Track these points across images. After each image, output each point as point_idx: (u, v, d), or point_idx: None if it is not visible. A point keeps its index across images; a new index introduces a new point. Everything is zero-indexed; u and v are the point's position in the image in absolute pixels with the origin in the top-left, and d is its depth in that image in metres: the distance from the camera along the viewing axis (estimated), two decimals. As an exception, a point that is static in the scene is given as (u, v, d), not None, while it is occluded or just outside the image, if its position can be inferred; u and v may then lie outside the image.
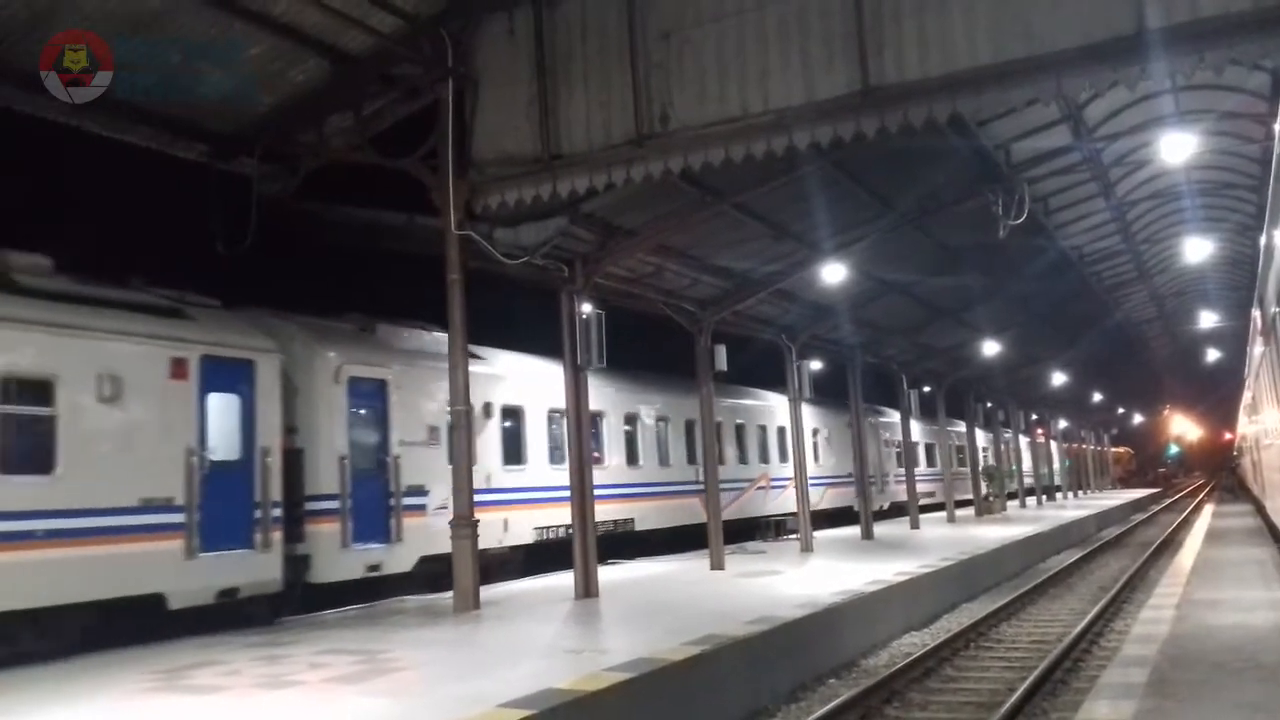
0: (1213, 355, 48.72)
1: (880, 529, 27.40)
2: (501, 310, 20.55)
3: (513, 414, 18.85)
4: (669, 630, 11.27)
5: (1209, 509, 40.87)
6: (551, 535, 18.96)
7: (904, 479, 33.41)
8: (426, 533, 15.61)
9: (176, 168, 14.65)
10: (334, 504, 14.51)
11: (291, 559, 13.79)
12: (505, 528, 17.94)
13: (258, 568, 13.05)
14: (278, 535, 13.33)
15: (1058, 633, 14.62)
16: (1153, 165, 19.70)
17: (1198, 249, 25.70)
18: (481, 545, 14.37)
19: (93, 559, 11.05)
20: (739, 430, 27.48)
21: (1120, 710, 7.15)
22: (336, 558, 14.46)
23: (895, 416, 34.65)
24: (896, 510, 35.03)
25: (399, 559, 15.42)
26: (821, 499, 30.30)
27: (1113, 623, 15.37)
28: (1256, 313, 15.15)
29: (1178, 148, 16.67)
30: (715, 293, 19.60)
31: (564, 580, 15.91)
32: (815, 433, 31.88)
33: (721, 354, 20.44)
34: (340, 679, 9.42)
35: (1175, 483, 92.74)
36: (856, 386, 27.80)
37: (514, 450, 18.74)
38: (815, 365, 27.57)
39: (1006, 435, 47.15)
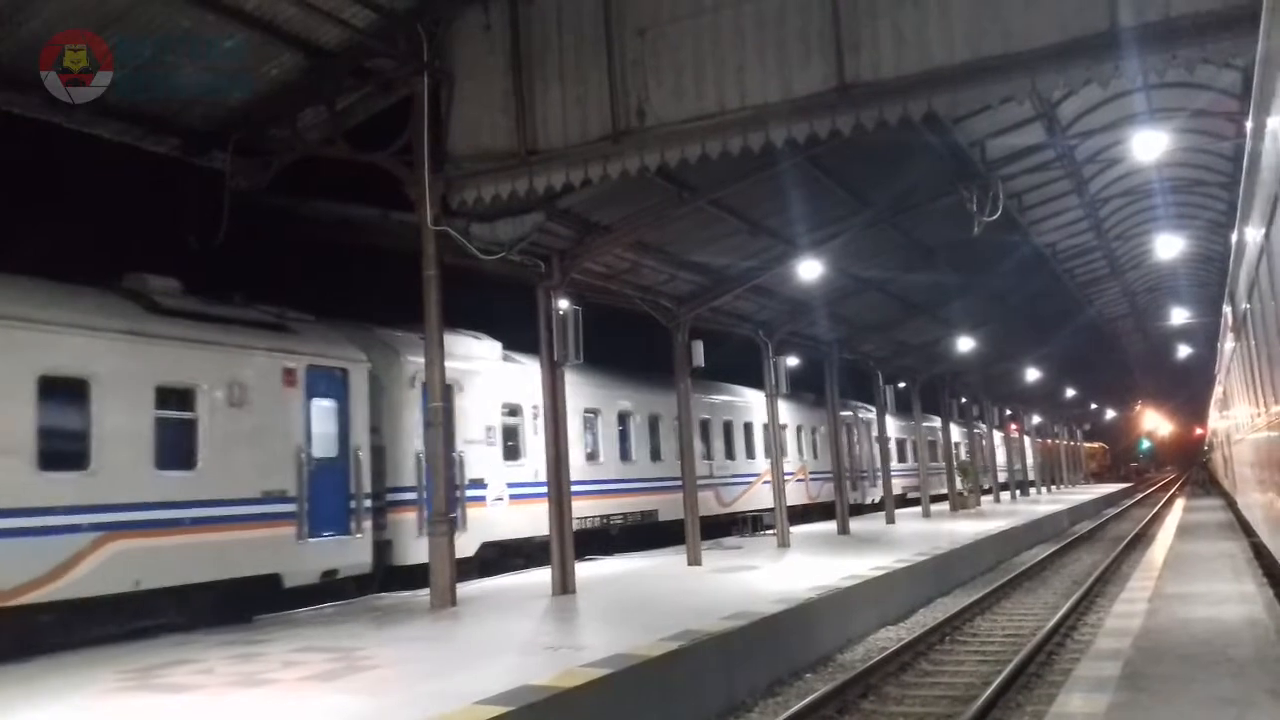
0: (1184, 351, 49.21)
1: (856, 524, 27.52)
2: (480, 306, 20.46)
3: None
4: (646, 626, 11.27)
5: (1180, 503, 41.22)
6: (588, 525, 20.76)
7: (901, 474, 33.97)
8: (486, 521, 17.89)
9: (148, 162, 14.52)
10: (411, 495, 16.35)
11: (377, 544, 15.39)
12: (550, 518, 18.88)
13: (353, 551, 14.82)
14: (368, 523, 15.09)
15: (1032, 627, 14.72)
16: (1125, 163, 19.87)
17: (1169, 246, 25.93)
18: (526, 534, 17.50)
19: (226, 543, 12.72)
20: (746, 428, 28.58)
21: (1094, 703, 7.19)
22: (413, 543, 16.06)
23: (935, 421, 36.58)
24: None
25: (464, 545, 16.69)
26: (820, 493, 31.97)
27: (1086, 616, 15.48)
28: (1227, 308, 15.26)
29: (1150, 145, 16.81)
30: (692, 289, 19.61)
31: (541, 577, 15.89)
32: (813, 430, 32.89)
33: (699, 350, 20.46)
34: (315, 677, 9.36)
35: (1147, 477, 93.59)
36: (833, 382, 27.91)
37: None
38: (793, 362, 27.58)
39: (980, 431, 47.41)
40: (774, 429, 24.03)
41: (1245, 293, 10.87)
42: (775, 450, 23.92)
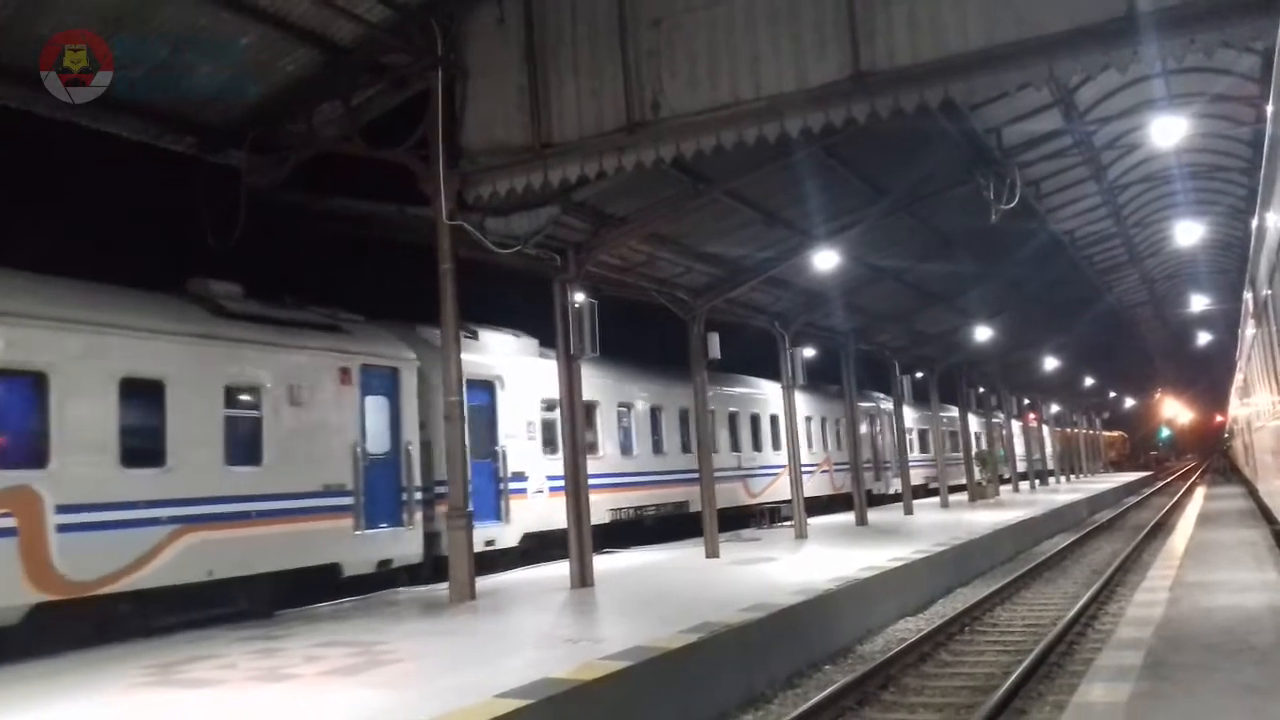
0: (1204, 338, 48.89)
1: (874, 515, 27.47)
2: (496, 299, 20.52)
3: (589, 409, 20.47)
4: (665, 619, 11.28)
5: (1201, 491, 40.99)
6: (623, 516, 21.93)
7: (920, 464, 34.60)
8: (529, 513, 18.51)
9: (165, 160, 14.58)
10: None
11: (426, 535, 15.90)
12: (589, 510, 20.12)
13: (406, 542, 15.52)
14: (419, 515, 15.72)
15: (1052, 616, 14.67)
16: (1144, 149, 19.71)
17: (1189, 232, 25.74)
18: (564, 524, 16.87)
19: (290, 534, 13.34)
20: (773, 421, 28.76)
21: (1116, 693, 7.16)
22: None
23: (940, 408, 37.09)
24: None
25: (508, 535, 17.93)
26: (844, 484, 32.08)
27: (1107, 606, 15.42)
28: (1248, 295, 15.17)
29: (1169, 131, 16.66)
30: (708, 280, 19.58)
31: (559, 570, 15.92)
32: (837, 422, 33.30)
33: (715, 342, 20.44)
34: (336, 671, 9.40)
35: (1167, 466, 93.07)
36: (849, 373, 27.84)
37: (592, 442, 20.75)
38: (810, 353, 27.58)
39: (999, 420, 47.22)
40: (790, 420, 23.99)
41: (1266, 278, 10.80)
42: (792, 441, 23.89)
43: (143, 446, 12.11)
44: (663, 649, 9.61)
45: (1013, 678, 10.41)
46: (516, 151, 13.49)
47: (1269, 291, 11.47)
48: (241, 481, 13.14)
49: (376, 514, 15.00)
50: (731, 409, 27.18)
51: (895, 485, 35.57)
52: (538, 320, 17.65)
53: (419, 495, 15.72)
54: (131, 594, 11.79)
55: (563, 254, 15.50)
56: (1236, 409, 34.65)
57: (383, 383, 15.55)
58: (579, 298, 15.61)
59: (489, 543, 17.23)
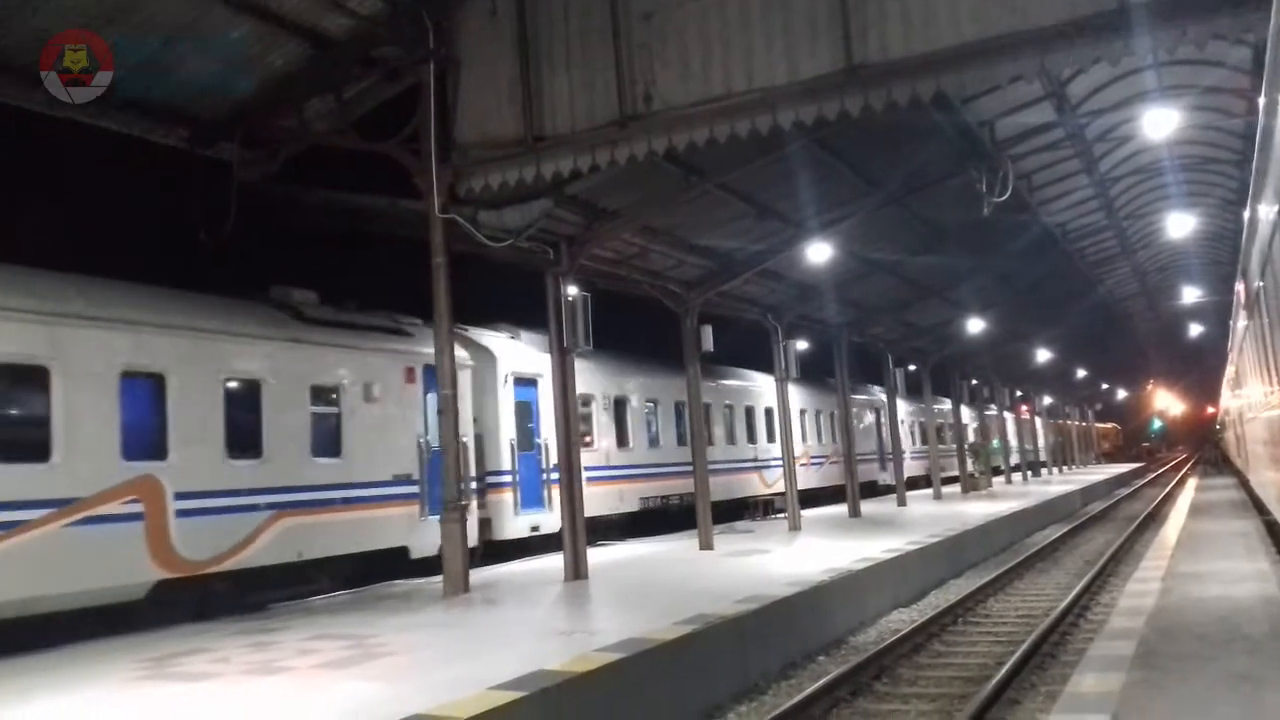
0: (1195, 330, 49.03)
1: (867, 507, 27.53)
2: (489, 293, 20.61)
3: (620, 404, 23.00)
4: (659, 610, 11.30)
5: (1193, 482, 41.14)
6: (652, 504, 23.32)
7: (920, 455, 36.17)
8: None
9: (156, 154, 14.55)
10: (507, 478, 18.53)
11: (480, 521, 17.21)
12: (620, 498, 22.42)
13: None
14: (474, 503, 16.66)
15: (1045, 607, 14.73)
16: (1135, 141, 19.77)
17: (1180, 224, 25.82)
18: (602, 512, 20.00)
19: (366, 519, 14.41)
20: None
21: (1108, 682, 7.19)
22: (510, 520, 18.40)
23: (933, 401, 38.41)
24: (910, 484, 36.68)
25: (552, 521, 18.65)
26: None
27: (1099, 596, 15.48)
28: (1240, 286, 15.19)
29: (1160, 123, 16.71)
30: (701, 273, 19.58)
31: (553, 562, 15.93)
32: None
33: (708, 335, 20.45)
34: (330, 664, 9.41)
35: (1158, 457, 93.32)
36: (843, 366, 27.88)
37: (623, 435, 22.96)
38: (803, 345, 27.60)
39: (991, 412, 47.32)
40: (784, 412, 24.07)
41: (1258, 270, 10.82)
42: (786, 433, 23.95)
43: (244, 440, 13.50)
44: (657, 640, 9.62)
45: (1005, 668, 10.45)
46: (509, 145, 13.47)
47: (1260, 283, 11.49)
48: (325, 472, 14.48)
49: (437, 502, 15.64)
50: (748, 403, 28.49)
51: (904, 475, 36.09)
52: (533, 314, 17.76)
53: (474, 485, 16.95)
54: (233, 573, 13.10)
55: (556, 247, 15.50)
56: (1228, 400, 34.75)
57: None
58: (572, 291, 15.60)
59: (534, 528, 18.85)
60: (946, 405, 42.11)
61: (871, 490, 34.89)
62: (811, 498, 29.59)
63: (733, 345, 25.60)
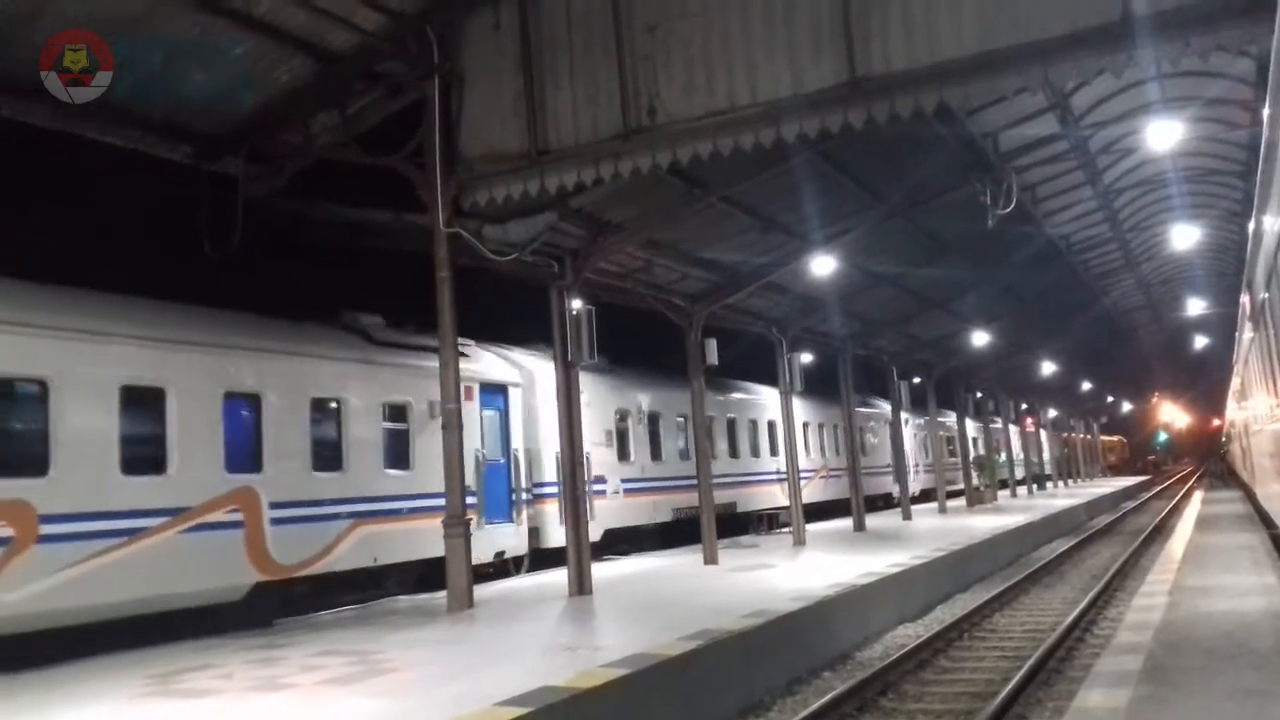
0: (1200, 342, 48.93)
1: (872, 521, 27.47)
2: (493, 306, 20.69)
3: (654, 418, 23.96)
4: (664, 625, 11.26)
5: (1199, 496, 41.00)
6: (684, 515, 23.60)
7: (930, 469, 36.58)
8: (607, 511, 21.01)
9: (162, 169, 14.58)
10: (553, 490, 18.85)
11: (529, 530, 18.42)
12: (654, 509, 23.23)
13: (515, 536, 18.02)
14: (525, 513, 18.15)
15: (1051, 622, 14.65)
16: (1139, 153, 19.74)
17: (1185, 236, 25.77)
18: (639, 522, 21.69)
19: (431, 528, 14.44)
20: (804, 428, 30.85)
21: (1115, 698, 7.14)
22: (555, 529, 18.69)
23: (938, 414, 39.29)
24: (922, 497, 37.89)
25: (592, 531, 18.79)
26: (867, 488, 33.32)
27: (1106, 611, 15.41)
28: (1245, 298, 15.16)
29: (1164, 135, 16.70)
30: (705, 287, 19.57)
31: (558, 578, 15.89)
32: (860, 430, 34.76)
33: (712, 348, 20.42)
34: (335, 681, 9.38)
35: (1164, 470, 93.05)
36: (847, 379, 27.85)
37: (656, 448, 23.86)
38: (807, 358, 27.68)
39: (996, 425, 47.23)
40: (788, 425, 24.09)
41: (1264, 282, 10.80)
42: (791, 447, 23.93)
43: (327, 454, 14.61)
44: (662, 656, 9.58)
45: (1012, 683, 10.40)
46: (513, 158, 13.49)
47: (1266, 295, 11.47)
48: (395, 483, 15.55)
49: (493, 511, 17.32)
50: (770, 418, 29.01)
51: (913, 487, 36.79)
52: (537, 328, 17.84)
53: (525, 496, 18.24)
54: (317, 577, 14.19)
55: (560, 261, 15.49)
56: (1234, 413, 34.66)
57: (495, 399, 18.04)
58: (576, 304, 15.59)
59: None
60: (951, 419, 42.04)
61: (887, 503, 35.42)
62: (828, 509, 30.28)
63: (747, 359, 25.95)
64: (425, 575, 15.84)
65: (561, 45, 13.23)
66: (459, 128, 13.82)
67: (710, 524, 19.14)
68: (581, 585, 14.94)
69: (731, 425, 27.56)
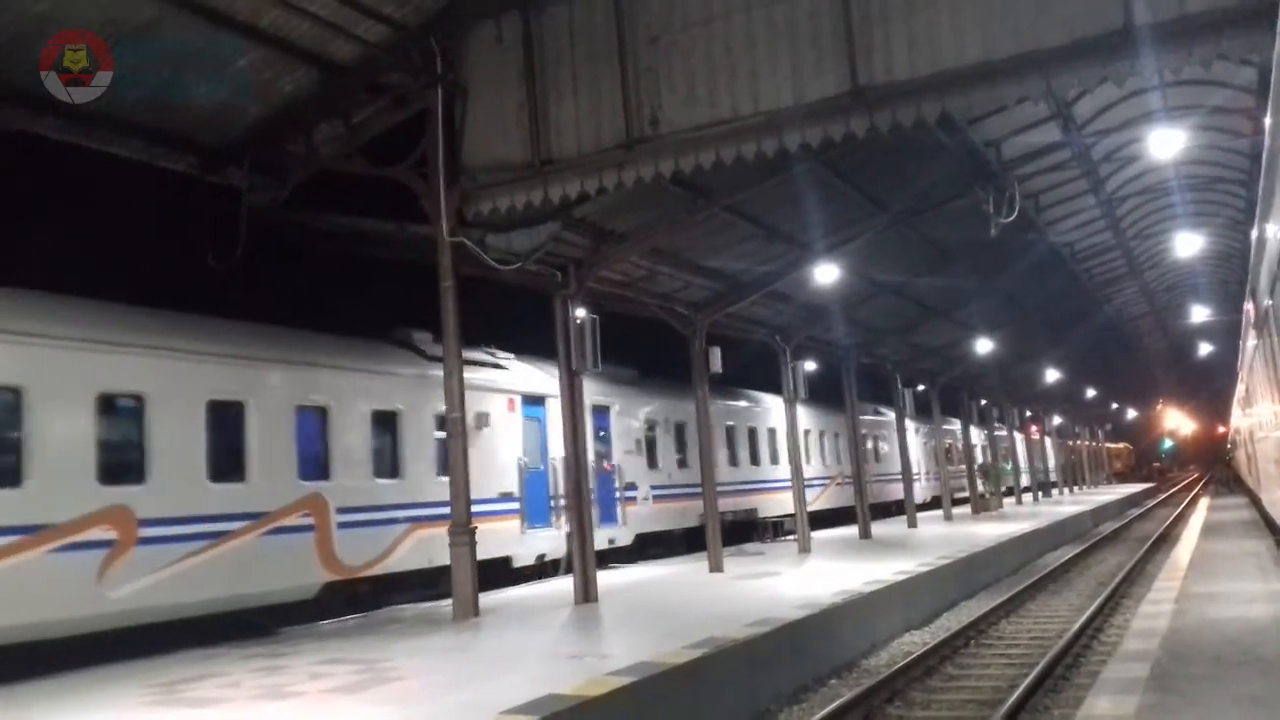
0: (1205, 349, 48.87)
1: (878, 528, 27.43)
2: (496, 315, 20.71)
3: (680, 428, 24.41)
4: (670, 633, 11.26)
5: (1204, 502, 40.92)
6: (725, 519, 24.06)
7: (938, 476, 37.17)
8: (639, 517, 22.05)
9: (165, 180, 14.63)
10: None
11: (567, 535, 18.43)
12: (682, 514, 23.70)
13: (554, 540, 18.87)
14: (563, 518, 18.37)
15: (1058, 629, 14.63)
16: (1142, 161, 19.77)
17: (1188, 244, 25.80)
18: (667, 526, 22.81)
19: (480, 531, 14.64)
20: (819, 436, 32.83)
21: (1123, 705, 7.14)
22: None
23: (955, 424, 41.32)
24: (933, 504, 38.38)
25: (624, 535, 21.39)
26: (881, 494, 35.40)
27: (1112, 618, 15.38)
28: (1249, 306, 15.16)
29: (1167, 143, 16.72)
30: (708, 295, 19.59)
31: (563, 585, 15.89)
32: (875, 438, 37.17)
33: (716, 356, 20.44)
34: (341, 689, 9.38)
35: (1169, 477, 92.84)
36: (851, 387, 27.85)
37: (683, 456, 24.50)
38: (811, 366, 27.76)
39: (1001, 432, 47.17)
40: (792, 433, 24.15)
41: (1267, 289, 10.81)
42: (795, 454, 23.97)
43: (386, 462, 15.60)
44: (668, 664, 9.59)
45: (1018, 691, 10.38)
46: (516, 168, 13.52)
47: (1270, 302, 11.48)
48: (447, 490, 15.29)
49: (534, 516, 18.37)
50: (807, 427, 30.08)
51: (922, 494, 38.19)
52: (538, 336, 17.95)
53: (562, 501, 18.54)
54: (379, 577, 15.14)
55: (563, 270, 15.52)
56: (1239, 420, 34.62)
57: (535, 409, 19.16)
58: (580, 313, 15.62)
59: (611, 541, 20.68)
60: (956, 426, 42.03)
61: (900, 509, 35.40)
62: (846, 515, 30.73)
63: (764, 369, 26.24)
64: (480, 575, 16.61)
65: (564, 56, 13.27)
66: (462, 138, 13.87)
67: (715, 531, 19.13)
68: (587, 593, 14.94)
69: (752, 433, 28.41)
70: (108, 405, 12.11)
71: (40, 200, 18.63)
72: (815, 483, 31.22)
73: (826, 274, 19.20)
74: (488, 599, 14.75)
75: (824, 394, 30.39)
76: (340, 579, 14.55)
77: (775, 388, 29.15)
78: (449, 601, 13.81)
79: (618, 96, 12.82)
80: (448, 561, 13.99)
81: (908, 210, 18.83)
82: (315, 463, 14.54)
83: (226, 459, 13.27)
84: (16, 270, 12.25)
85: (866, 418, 35.82)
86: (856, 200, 17.84)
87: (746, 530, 26.66)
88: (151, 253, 19.51)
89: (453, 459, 13.94)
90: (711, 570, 18.54)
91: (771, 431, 29.39)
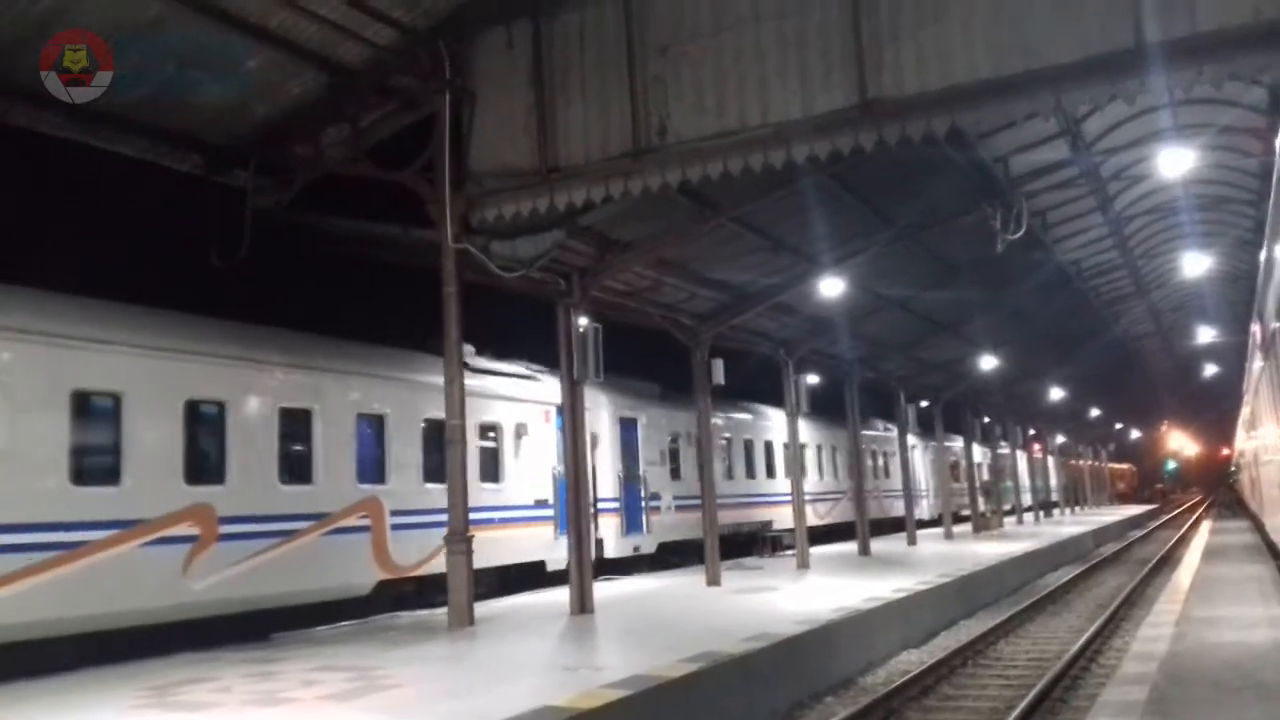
0: (1210, 370, 48.72)
1: (877, 545, 27.33)
2: (499, 323, 20.75)
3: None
4: (666, 647, 11.18)
5: (1206, 525, 40.78)
6: (726, 531, 24.12)
7: (941, 493, 37.35)
8: (663, 526, 23.05)
9: (171, 180, 14.61)
10: (614, 505, 21.41)
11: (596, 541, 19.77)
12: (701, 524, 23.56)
13: None
14: (592, 525, 18.61)
15: (1056, 650, 14.54)
16: (1151, 179, 19.69)
17: (1196, 264, 25.72)
18: (686, 536, 22.93)
19: (517, 536, 16.62)
20: (833, 452, 33.80)
21: (1121, 730, 7.07)
22: (618, 541, 21.42)
23: (958, 441, 41.72)
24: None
25: (649, 544, 22.50)
26: (890, 509, 36.52)
27: (1111, 640, 15.29)
28: (1256, 327, 15.12)
29: (1176, 162, 16.65)
30: (713, 306, 19.53)
31: (559, 596, 15.82)
32: (886, 455, 37.99)
33: (719, 368, 20.39)
34: (334, 696, 9.31)
35: (1172, 499, 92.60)
36: (853, 401, 27.78)
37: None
38: (814, 379, 27.77)
39: (1004, 450, 47.07)
40: (794, 446, 24.18)
41: (1275, 311, 10.75)
42: (796, 469, 23.95)
43: (434, 468, 15.97)
44: (663, 678, 9.52)
45: (1015, 712, 10.30)
46: (523, 175, 13.48)
47: (1277, 325, 11.42)
48: (489, 495, 17.07)
49: (566, 523, 18.37)
50: (801, 441, 29.88)
51: (927, 511, 39.10)
52: (540, 343, 18.05)
53: (592, 509, 19.16)
54: (425, 577, 15.75)
55: (568, 278, 15.48)
56: (1243, 443, 34.51)
57: None
58: (583, 322, 15.57)
59: (636, 549, 22.04)
60: (959, 443, 41.94)
61: (902, 525, 35.63)
62: (851, 531, 30.77)
63: (776, 384, 26.13)
64: (506, 579, 17.68)
65: (573, 63, 13.24)
66: (469, 143, 13.82)
67: (713, 544, 19.03)
68: (583, 604, 14.86)
69: (768, 447, 29.18)
70: (193, 410, 13.10)
71: (69, 201, 18.66)
72: (829, 497, 32.61)
73: (832, 287, 19.13)
74: (483, 608, 14.69)
75: (832, 409, 30.50)
76: (392, 578, 15.39)
77: (764, 401, 29.90)
78: (444, 610, 13.73)
79: (626, 105, 12.78)
80: (487, 564, 14.81)
81: (914, 225, 18.77)
82: (372, 468, 15.52)
83: (295, 463, 14.32)
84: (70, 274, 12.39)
85: (876, 434, 37.13)
86: (863, 214, 17.79)
87: (762, 543, 27.35)
88: (154, 252, 19.52)
89: (451, 467, 13.85)
90: (709, 584, 18.46)
91: (787, 446, 29.53)
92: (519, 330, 20.61)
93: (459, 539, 13.49)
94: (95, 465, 11.98)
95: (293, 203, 14.74)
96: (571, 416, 15.53)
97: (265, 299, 17.01)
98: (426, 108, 13.98)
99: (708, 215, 15.53)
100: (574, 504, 15.31)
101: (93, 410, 12.07)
